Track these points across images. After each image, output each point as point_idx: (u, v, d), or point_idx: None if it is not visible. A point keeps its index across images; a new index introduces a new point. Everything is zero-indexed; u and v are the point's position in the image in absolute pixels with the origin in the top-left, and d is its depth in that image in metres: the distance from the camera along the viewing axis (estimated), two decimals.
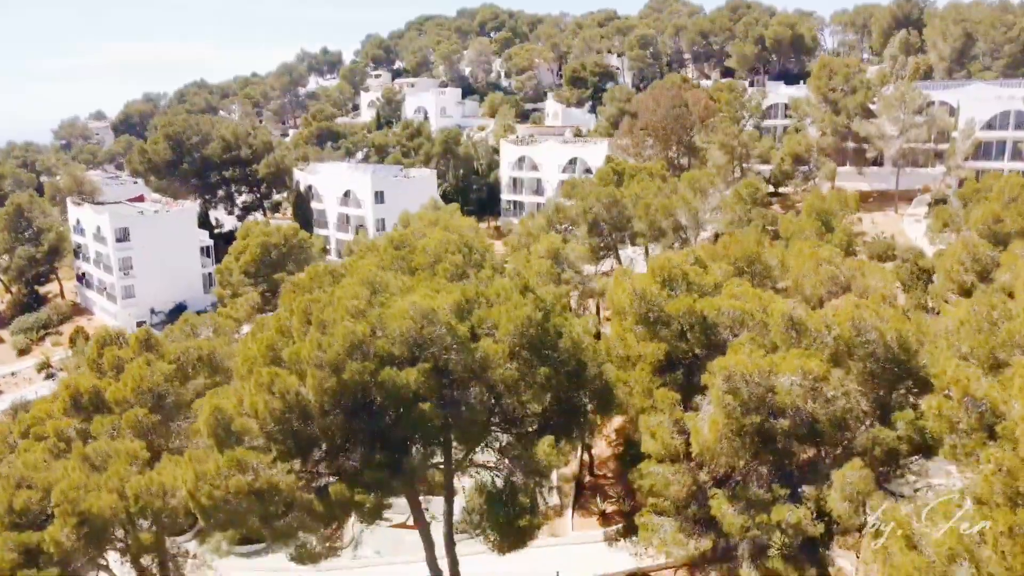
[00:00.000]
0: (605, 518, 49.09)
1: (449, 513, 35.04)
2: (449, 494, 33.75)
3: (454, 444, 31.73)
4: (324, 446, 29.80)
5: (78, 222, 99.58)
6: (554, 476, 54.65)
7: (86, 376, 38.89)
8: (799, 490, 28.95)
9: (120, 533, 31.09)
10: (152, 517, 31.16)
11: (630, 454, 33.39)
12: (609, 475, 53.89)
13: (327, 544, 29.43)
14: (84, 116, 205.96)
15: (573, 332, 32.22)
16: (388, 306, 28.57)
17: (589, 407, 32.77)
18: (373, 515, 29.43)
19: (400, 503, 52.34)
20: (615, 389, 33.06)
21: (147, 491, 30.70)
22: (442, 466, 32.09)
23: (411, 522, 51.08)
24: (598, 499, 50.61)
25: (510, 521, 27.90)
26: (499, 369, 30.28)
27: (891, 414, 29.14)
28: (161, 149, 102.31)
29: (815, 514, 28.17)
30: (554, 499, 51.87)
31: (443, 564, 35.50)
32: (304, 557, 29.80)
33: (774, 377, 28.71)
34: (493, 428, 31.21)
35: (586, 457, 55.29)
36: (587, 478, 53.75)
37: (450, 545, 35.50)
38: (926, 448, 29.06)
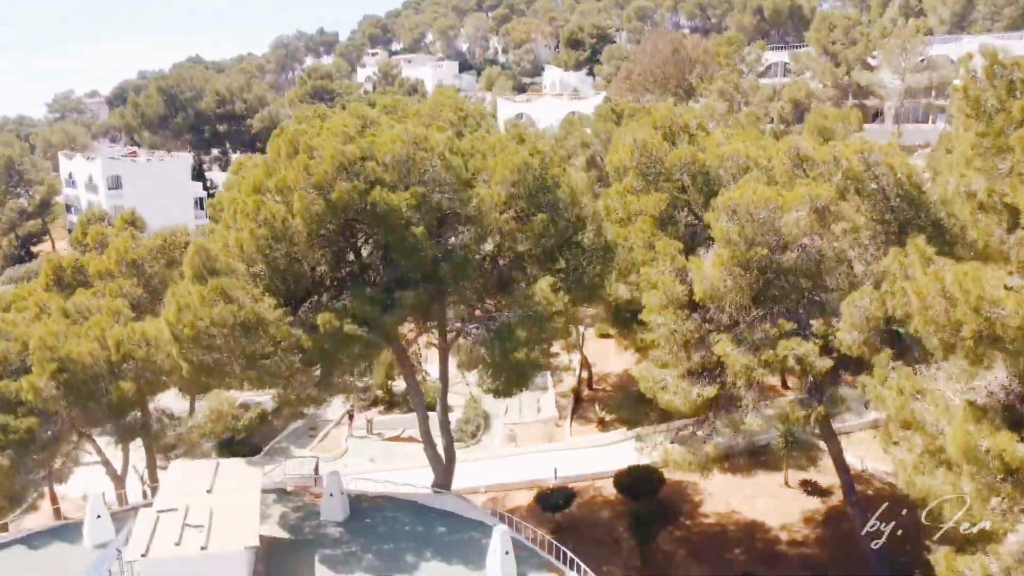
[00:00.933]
0: (604, 425, 48.02)
1: (444, 372, 33.93)
2: (443, 346, 32.60)
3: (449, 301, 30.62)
4: (312, 285, 28.74)
5: (70, 175, 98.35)
6: (552, 391, 53.88)
7: (70, 254, 37.72)
8: (807, 330, 27.89)
9: (102, 386, 29.72)
10: (135, 369, 29.93)
11: (631, 315, 32.17)
12: (608, 389, 52.86)
13: (315, 389, 28.12)
14: (80, 93, 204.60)
15: (571, 182, 31.16)
16: (379, 134, 27.48)
17: (588, 266, 31.58)
18: (364, 356, 28.31)
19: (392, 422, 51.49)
20: (615, 249, 31.95)
21: (129, 340, 29.52)
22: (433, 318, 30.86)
23: (405, 435, 50.64)
24: (597, 407, 49.54)
25: (506, 354, 26.71)
26: (494, 214, 29.26)
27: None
28: (154, 103, 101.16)
29: (823, 350, 27.14)
30: (552, 411, 51.04)
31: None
32: (290, 401, 28.59)
33: (779, 212, 27.68)
34: (488, 274, 30.08)
35: (584, 375, 54.36)
36: (586, 392, 52.73)
37: (444, 410, 34.36)
38: None
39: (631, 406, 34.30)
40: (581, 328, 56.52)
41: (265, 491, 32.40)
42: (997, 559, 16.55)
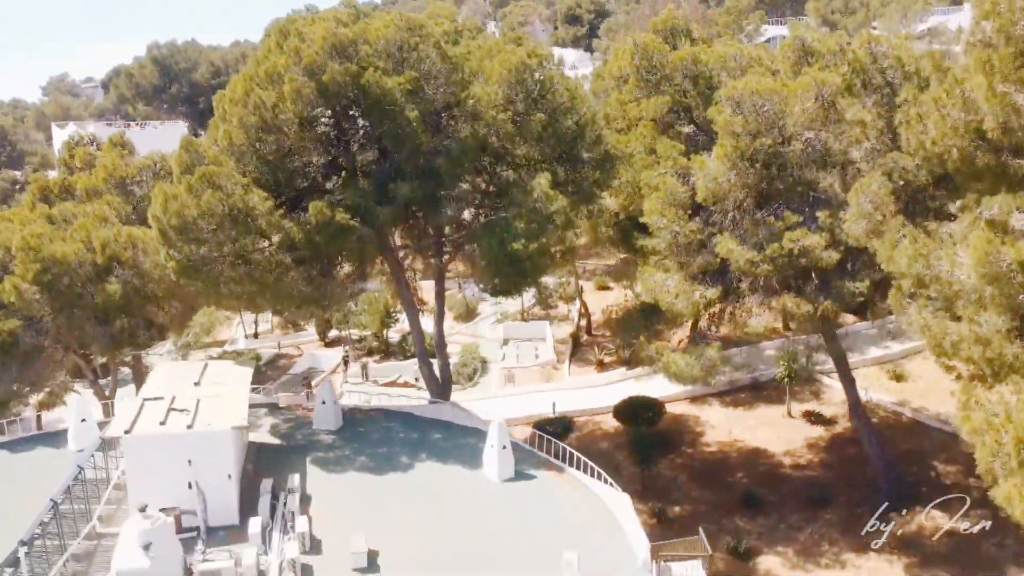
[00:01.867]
0: (603, 367, 47.20)
1: (440, 292, 33.12)
2: (439, 265, 31.77)
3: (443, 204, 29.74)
4: (304, 181, 27.92)
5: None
6: (550, 340, 53.03)
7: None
8: (813, 224, 27.07)
9: (88, 290, 28.82)
10: (122, 274, 29.05)
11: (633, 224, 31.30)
12: (608, 334, 52.02)
13: (308, 286, 27.16)
14: (78, 79, 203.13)
15: (570, 86, 30.36)
16: (373, 20, 26.65)
17: (587, 173, 30.75)
18: (357, 252, 27.45)
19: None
20: (615, 157, 31.11)
21: (116, 242, 28.65)
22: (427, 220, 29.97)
23: (400, 381, 49.77)
24: (596, 349, 48.73)
25: (504, 244, 25.84)
26: (492, 112, 28.45)
27: None
28: (149, 73, 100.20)
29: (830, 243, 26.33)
30: (551, 356, 50.21)
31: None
32: (284, 298, 27.66)
33: (785, 102, 26.91)
34: (486, 175, 29.26)
35: (583, 323, 53.56)
36: (584, 337, 51.91)
37: (440, 332, 33.55)
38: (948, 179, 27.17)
39: (632, 323, 33.34)
40: (580, 282, 56.04)
41: (257, 405, 31.64)
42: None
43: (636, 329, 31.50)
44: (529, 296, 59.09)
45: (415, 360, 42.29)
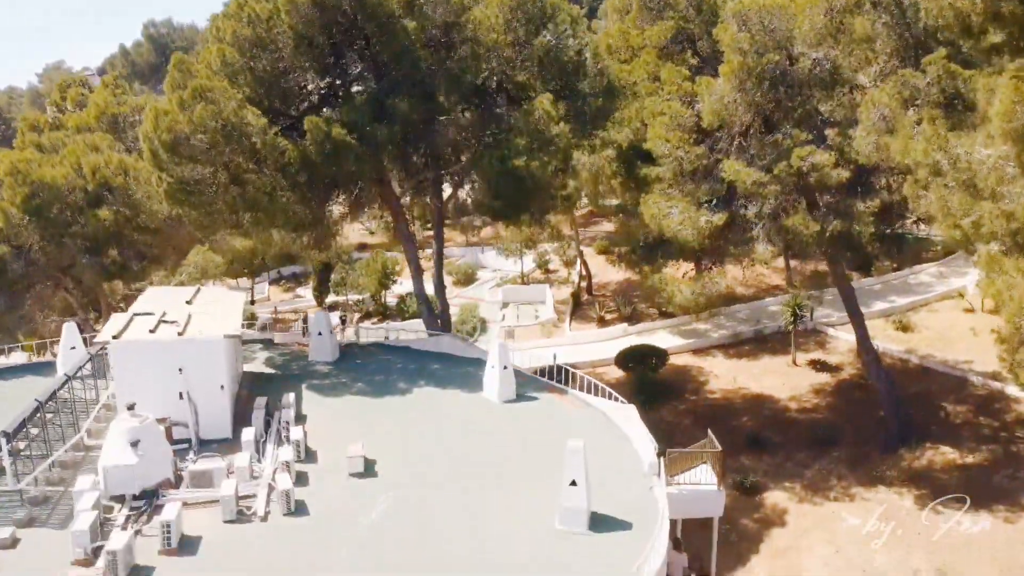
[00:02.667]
0: (604, 323, 46.51)
1: (439, 233, 32.42)
2: (437, 205, 31.04)
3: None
4: (300, 102, 27.24)
5: None
6: (550, 301, 52.33)
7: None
8: (821, 144, 26.39)
9: (78, 219, 28.10)
10: (113, 202, 28.33)
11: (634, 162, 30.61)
12: (608, 295, 51.36)
13: (303, 207, 26.40)
14: (74, 68, 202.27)
15: (572, 12, 29.66)
16: None
17: (590, 102, 30.03)
18: (355, 174, 26.70)
19: None
20: (619, 89, 30.42)
21: (106, 167, 27.92)
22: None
23: None
24: (596, 306, 48.06)
25: (504, 160, 25.12)
26: (492, 34, 27.77)
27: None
28: (145, 51, 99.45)
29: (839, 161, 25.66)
30: (551, 315, 49.51)
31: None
32: (278, 221, 26.87)
33: (793, 19, 26.25)
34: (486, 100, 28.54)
35: (584, 284, 52.89)
36: (585, 297, 51.24)
37: (440, 274, 32.84)
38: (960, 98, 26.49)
39: (625, 254, 32.57)
40: (582, 248, 55.37)
41: (251, 341, 30.95)
42: None
43: (639, 263, 30.68)
44: (529, 260, 58.58)
45: (411, 323, 41.71)
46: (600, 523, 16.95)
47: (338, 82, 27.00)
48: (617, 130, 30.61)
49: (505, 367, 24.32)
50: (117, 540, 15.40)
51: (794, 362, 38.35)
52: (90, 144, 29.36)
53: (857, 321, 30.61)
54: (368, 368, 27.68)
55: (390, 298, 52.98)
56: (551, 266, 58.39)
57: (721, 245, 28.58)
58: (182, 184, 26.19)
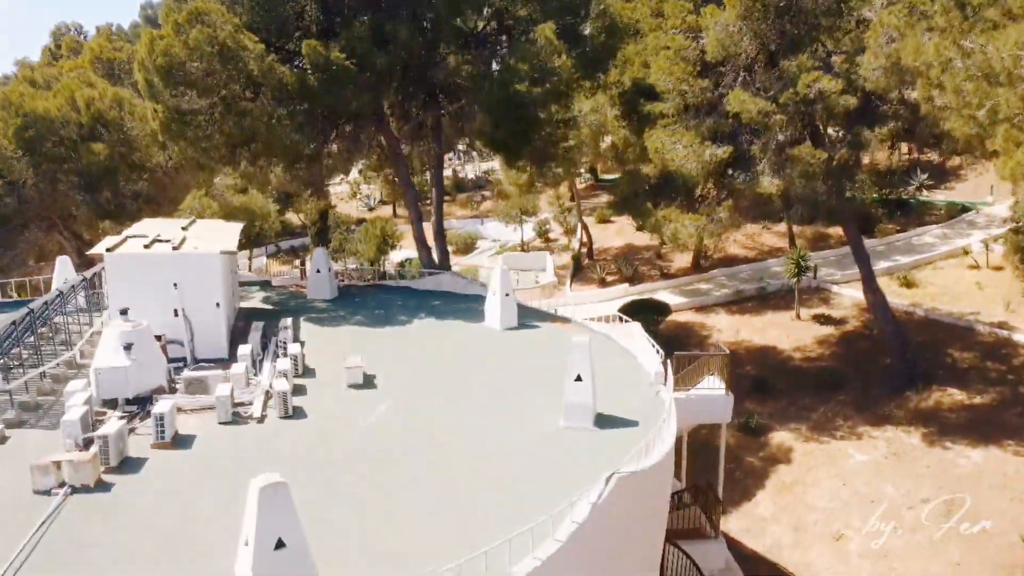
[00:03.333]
0: (604, 284, 46.10)
1: (439, 178, 31.95)
2: (438, 150, 30.57)
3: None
4: (298, 30, 26.76)
5: None
6: (551, 268, 51.91)
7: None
8: (829, 72, 25.96)
9: (72, 155, 27.60)
10: (108, 137, 27.85)
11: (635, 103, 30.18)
12: (609, 259, 50.94)
13: (300, 135, 25.89)
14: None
15: None
16: None
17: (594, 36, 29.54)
18: (354, 104, 26.20)
19: None
20: (622, 28, 29.95)
21: (100, 100, 27.43)
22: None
23: None
24: (597, 268, 47.65)
25: (505, 85, 24.65)
26: None
27: None
28: (142, 33, 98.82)
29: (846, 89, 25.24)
30: (551, 278, 49.08)
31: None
32: (275, 152, 26.45)
33: None
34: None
35: (584, 251, 52.50)
36: (586, 261, 50.82)
37: (440, 220, 32.36)
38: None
39: (628, 196, 32.10)
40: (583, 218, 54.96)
41: (247, 283, 30.50)
42: None
43: (642, 202, 30.21)
44: (529, 229, 58.17)
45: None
46: (606, 421, 16.49)
47: (337, 19, 26.48)
48: (620, 70, 30.17)
49: (507, 294, 23.85)
50: (109, 427, 14.94)
51: (797, 316, 37.94)
52: (84, 79, 28.88)
53: (861, 258, 30.21)
54: (367, 304, 27.22)
55: (389, 265, 52.51)
56: (551, 235, 58.02)
57: (726, 181, 28.13)
58: (177, 115, 25.71)
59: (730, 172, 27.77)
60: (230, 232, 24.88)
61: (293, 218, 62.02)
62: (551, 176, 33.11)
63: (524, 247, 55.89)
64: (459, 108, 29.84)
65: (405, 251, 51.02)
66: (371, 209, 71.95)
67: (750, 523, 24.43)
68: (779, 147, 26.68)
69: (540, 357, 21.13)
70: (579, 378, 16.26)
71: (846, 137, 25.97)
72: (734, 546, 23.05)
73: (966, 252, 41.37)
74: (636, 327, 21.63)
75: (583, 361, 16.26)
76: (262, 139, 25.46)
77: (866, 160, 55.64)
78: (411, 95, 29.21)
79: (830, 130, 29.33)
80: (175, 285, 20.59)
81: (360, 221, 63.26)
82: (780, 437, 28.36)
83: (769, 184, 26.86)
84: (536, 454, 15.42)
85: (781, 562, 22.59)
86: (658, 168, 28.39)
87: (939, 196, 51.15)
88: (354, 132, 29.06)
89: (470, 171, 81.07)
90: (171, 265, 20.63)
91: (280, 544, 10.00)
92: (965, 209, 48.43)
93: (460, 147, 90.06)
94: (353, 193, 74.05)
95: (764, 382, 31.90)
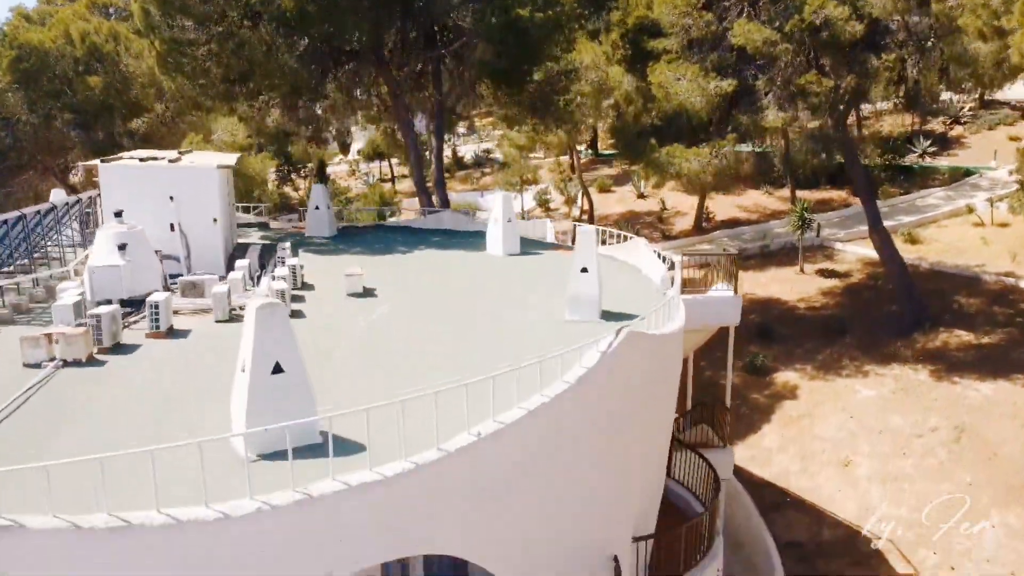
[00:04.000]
0: (604, 245, 45.59)
1: (440, 126, 31.54)
2: (438, 97, 30.16)
3: None
4: None
5: None
6: (551, 234, 51.42)
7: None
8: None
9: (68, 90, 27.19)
10: (104, 71, 27.44)
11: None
12: (610, 224, 50.46)
13: (303, 68, 25.51)
14: None
15: None
16: None
17: None
18: (352, 27, 25.80)
19: None
20: None
21: (96, 33, 27.03)
22: None
23: None
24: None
25: (506, 10, 24.26)
26: None
27: None
28: None
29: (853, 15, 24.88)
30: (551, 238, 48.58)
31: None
32: (277, 81, 25.99)
33: None
34: None
35: (585, 217, 52.06)
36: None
37: (440, 168, 31.99)
38: None
39: (630, 140, 31.66)
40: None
41: (245, 225, 30.06)
42: None
43: (644, 143, 29.77)
44: (529, 198, 57.75)
45: None
46: (612, 316, 16.10)
47: None
48: (623, 12, 29.85)
49: (509, 220, 23.47)
50: (103, 308, 14.53)
51: (801, 271, 37.56)
52: (79, 13, 28.50)
53: (865, 196, 29.87)
54: (367, 240, 26.84)
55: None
56: (551, 204, 57.58)
57: (731, 118, 27.76)
58: (175, 47, 25.35)
59: (735, 113, 27.38)
60: (227, 156, 24.49)
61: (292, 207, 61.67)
62: (552, 122, 32.59)
63: (524, 216, 55.48)
64: (459, 48, 29.43)
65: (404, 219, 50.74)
66: (371, 187, 71.60)
67: (756, 453, 24.05)
68: (785, 81, 26.32)
69: (543, 277, 20.77)
70: (585, 269, 15.87)
71: (852, 67, 25.55)
72: (740, 473, 22.69)
73: (970, 210, 41.02)
74: (641, 241, 21.32)
75: (589, 251, 15.89)
76: (261, 68, 25.07)
77: (868, 131, 55.61)
78: (410, 35, 28.81)
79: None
80: (171, 198, 20.18)
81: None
82: (785, 376, 27.99)
83: (775, 118, 26.50)
84: (541, 342, 15.02)
85: (788, 487, 22.21)
86: (662, 105, 27.95)
87: (942, 162, 50.82)
88: (354, 71, 28.66)
89: (470, 151, 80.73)
90: (167, 177, 20.25)
91: (278, 369, 9.62)
92: (968, 173, 48.12)
93: (460, 130, 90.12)
94: (352, 171, 73.68)
95: (768, 329, 31.52)
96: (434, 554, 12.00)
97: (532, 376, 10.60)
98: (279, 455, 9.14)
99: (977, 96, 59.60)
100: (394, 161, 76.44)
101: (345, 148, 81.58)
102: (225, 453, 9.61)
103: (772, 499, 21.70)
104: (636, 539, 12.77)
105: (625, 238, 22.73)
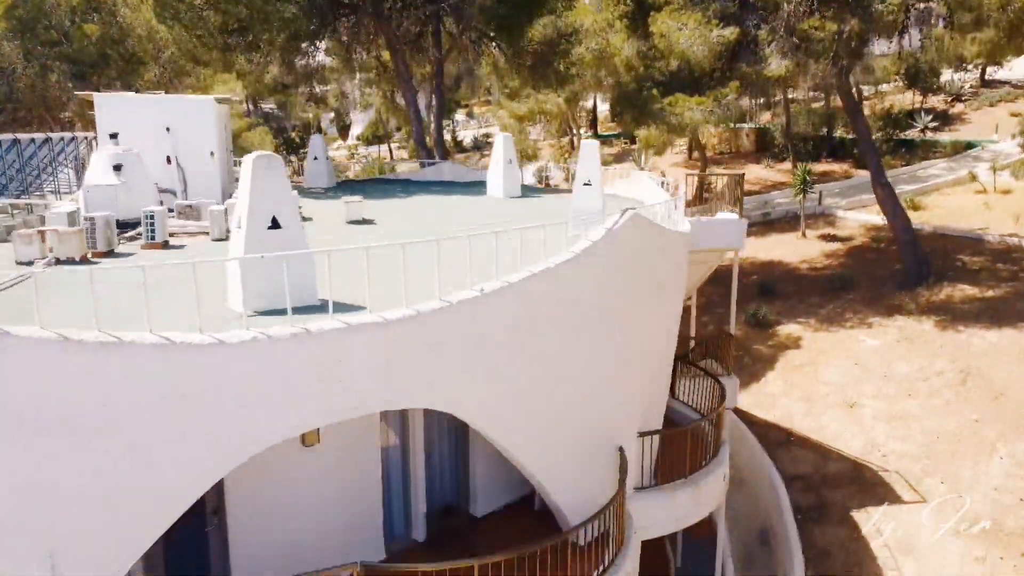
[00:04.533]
0: None
1: (440, 86, 31.28)
2: (438, 56, 29.91)
3: None
4: None
5: None
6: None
7: None
8: None
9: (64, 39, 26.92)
10: (100, 19, 27.17)
11: None
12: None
13: (302, 14, 25.21)
14: None
15: None
16: None
17: None
18: None
19: None
20: None
21: None
22: None
23: None
24: None
25: None
26: None
27: None
28: None
29: None
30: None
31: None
32: (276, 26, 25.73)
33: None
34: None
35: None
36: None
37: (440, 128, 31.74)
38: None
39: (631, 94, 31.36)
40: None
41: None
42: None
43: (646, 95, 29.49)
44: (529, 174, 57.51)
45: None
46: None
47: None
48: None
49: (510, 161, 23.19)
50: (98, 213, 14.26)
51: (803, 235, 37.36)
52: None
53: (867, 146, 29.62)
54: (366, 190, 26.52)
55: None
56: (552, 181, 57.37)
57: (734, 68, 27.52)
58: None
59: (737, 64, 27.15)
60: (224, 96, 24.20)
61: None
62: (553, 81, 32.36)
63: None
64: (459, 2, 29.18)
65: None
66: (369, 167, 71.48)
67: (760, 399, 23.78)
68: (788, 29, 26.05)
69: (545, 215, 20.49)
70: (588, 183, 15.60)
71: (855, 11, 25.29)
72: (744, 416, 22.43)
73: (973, 177, 40.79)
74: (643, 175, 21.02)
75: (592, 164, 15.60)
76: (259, 15, 24.78)
77: (869, 110, 55.36)
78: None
79: None
80: (167, 129, 19.90)
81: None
82: (788, 329, 27.72)
83: (778, 66, 26.21)
84: (547, 252, 14.76)
85: (793, 428, 21.95)
86: (666, 62, 27.70)
87: (944, 136, 50.64)
88: (354, 25, 28.39)
89: (469, 136, 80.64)
90: (163, 108, 19.97)
91: (275, 224, 9.36)
92: (970, 146, 47.92)
93: (459, 117, 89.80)
94: (351, 155, 73.60)
95: (771, 287, 31.27)
96: (434, 429, 11.79)
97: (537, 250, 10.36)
98: (278, 312, 8.89)
99: (979, 75, 59.55)
100: (394, 145, 76.53)
101: (344, 132, 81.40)
102: (222, 308, 9.36)
103: (776, 439, 21.43)
104: (642, 434, 12.51)
105: (630, 174, 22.41)
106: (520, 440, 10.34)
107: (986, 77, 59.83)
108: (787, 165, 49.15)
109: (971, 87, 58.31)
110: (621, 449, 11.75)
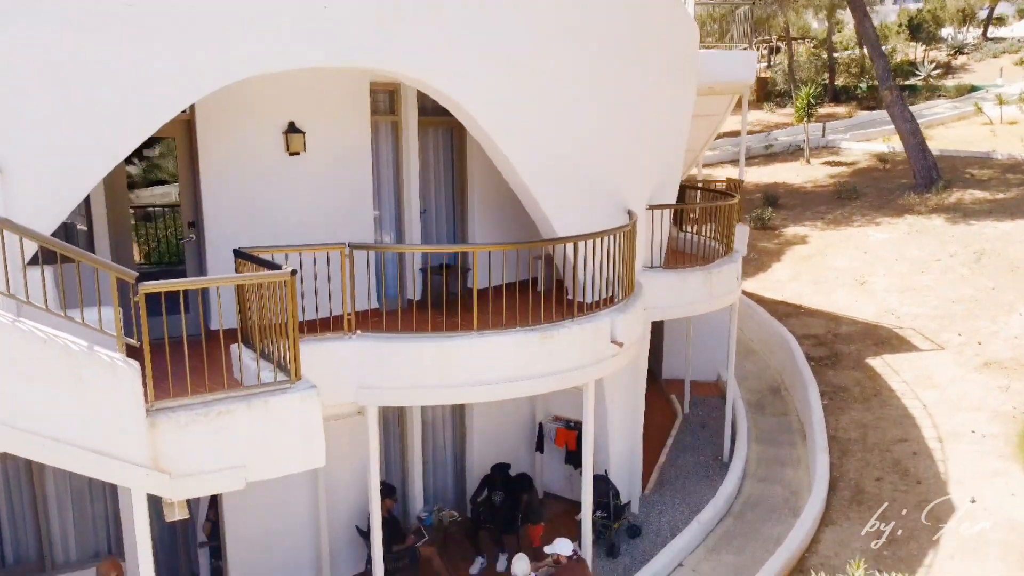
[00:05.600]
0: None
1: None
2: None
3: None
4: None
5: None
6: None
7: None
8: None
9: None
10: None
11: None
12: None
13: None
14: None
15: None
16: None
17: None
18: None
19: None
20: None
21: None
22: None
23: None
24: None
25: None
26: None
27: None
28: None
29: None
30: None
31: None
32: None
33: None
34: None
35: None
36: None
37: None
38: None
39: None
40: None
41: None
42: None
43: None
44: None
45: None
46: None
47: None
48: None
49: None
50: None
51: (807, 162, 36.74)
52: None
53: (873, 48, 28.97)
54: None
55: None
56: None
57: None
58: None
59: None
60: None
61: None
62: None
63: None
64: None
65: None
66: None
67: (767, 284, 23.09)
68: None
69: None
70: None
71: None
72: (751, 297, 21.74)
73: (979, 109, 40.22)
74: None
75: None
76: None
77: None
78: None
79: None
80: None
81: None
82: (795, 230, 27.05)
83: None
84: None
85: (803, 304, 21.26)
86: None
87: (948, 83, 50.05)
88: None
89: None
90: None
91: None
92: (974, 89, 47.33)
93: None
94: None
95: (775, 200, 30.61)
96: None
97: None
98: None
99: (981, 32, 59.04)
100: None
101: None
102: None
103: (786, 312, 20.73)
104: (652, 207, 11.82)
105: None
106: (525, 156, 9.72)
107: (988, 35, 59.34)
108: (789, 110, 48.48)
109: (974, 40, 57.86)
110: (630, 212, 11.05)
